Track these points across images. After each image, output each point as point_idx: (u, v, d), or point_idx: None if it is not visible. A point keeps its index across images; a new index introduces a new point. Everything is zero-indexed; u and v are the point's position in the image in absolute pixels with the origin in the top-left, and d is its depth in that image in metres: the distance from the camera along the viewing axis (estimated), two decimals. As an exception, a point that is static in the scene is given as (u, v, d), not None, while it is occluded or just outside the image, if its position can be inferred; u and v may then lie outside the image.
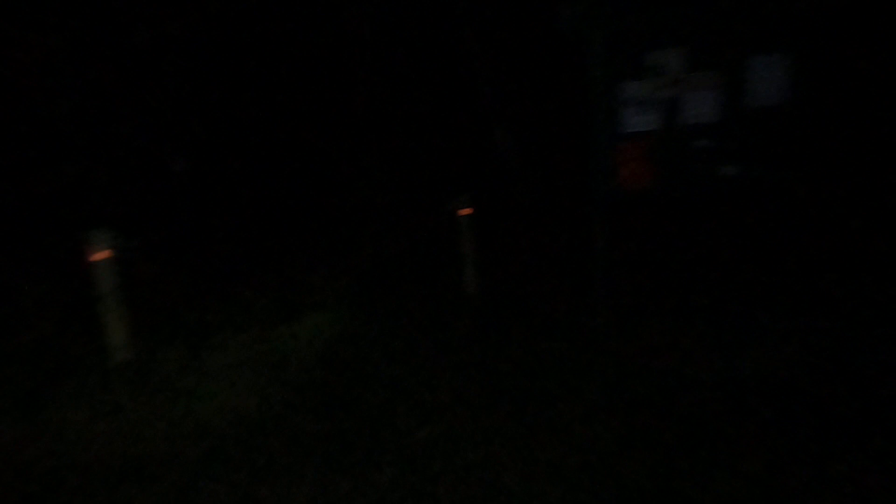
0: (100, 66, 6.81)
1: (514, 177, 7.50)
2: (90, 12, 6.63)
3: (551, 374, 3.34)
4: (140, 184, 7.36)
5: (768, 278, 4.24)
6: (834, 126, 3.90)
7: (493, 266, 5.54)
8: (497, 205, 7.01)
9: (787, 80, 3.69)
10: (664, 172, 3.86)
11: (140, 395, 3.46)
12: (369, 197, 8.05)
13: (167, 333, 4.45)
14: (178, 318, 4.81)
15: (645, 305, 4.22)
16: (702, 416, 2.74)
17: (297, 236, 7.25)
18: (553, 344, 3.78)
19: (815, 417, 2.64)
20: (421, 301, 4.94)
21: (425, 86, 8.09)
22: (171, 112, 7.57)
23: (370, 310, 4.83)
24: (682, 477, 2.34)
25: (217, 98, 7.81)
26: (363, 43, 7.86)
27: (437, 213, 6.26)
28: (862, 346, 3.26)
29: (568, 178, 6.80)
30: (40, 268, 5.53)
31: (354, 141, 8.37)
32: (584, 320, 4.11)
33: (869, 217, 4.29)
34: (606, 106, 3.89)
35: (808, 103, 3.79)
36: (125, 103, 7.11)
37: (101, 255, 3.67)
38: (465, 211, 5.14)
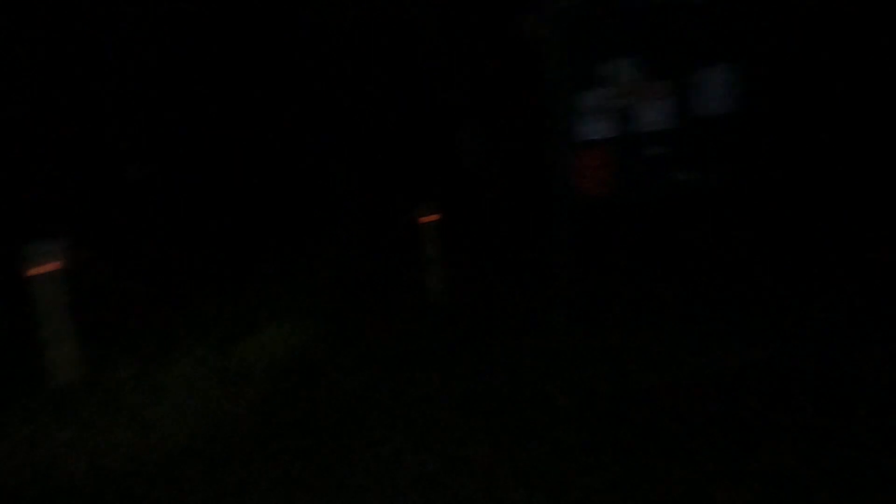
0: (45, 67, 6.50)
1: (479, 183, 7.55)
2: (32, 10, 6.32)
3: (517, 380, 3.36)
4: (92, 191, 7.05)
5: (725, 281, 4.39)
6: (782, 133, 4.08)
7: (460, 272, 5.54)
8: (463, 210, 7.04)
9: (736, 89, 3.86)
10: (623, 179, 3.96)
11: (79, 417, 3.27)
12: (334, 204, 7.96)
13: (119, 349, 4.25)
14: (132, 333, 4.62)
15: (608, 308, 4.30)
16: (660, 420, 2.80)
17: (260, 245, 7.09)
18: (519, 349, 3.80)
19: (770, 416, 2.73)
20: (386, 309, 4.90)
21: (391, 93, 8.08)
22: (127, 116, 7.29)
23: (334, 319, 4.76)
24: (639, 485, 2.37)
25: (177, 103, 7.58)
26: (326, 50, 7.79)
27: (403, 220, 6.24)
28: (815, 345, 3.41)
29: (532, 183, 6.89)
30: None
31: (318, 146, 8.27)
32: (548, 324, 4.15)
33: (817, 219, 4.51)
34: (565, 113, 3.96)
35: (757, 112, 3.96)
36: (70, 106, 6.80)
37: (42, 268, 3.47)
38: (430, 218, 5.14)
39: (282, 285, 5.73)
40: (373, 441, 2.82)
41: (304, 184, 7.98)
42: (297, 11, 7.51)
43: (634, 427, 2.73)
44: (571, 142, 3.99)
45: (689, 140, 3.89)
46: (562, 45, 3.91)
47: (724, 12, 3.84)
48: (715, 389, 3.01)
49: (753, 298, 4.08)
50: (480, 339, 4.04)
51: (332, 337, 4.33)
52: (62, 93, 6.70)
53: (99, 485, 2.63)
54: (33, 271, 3.45)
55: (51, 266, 3.48)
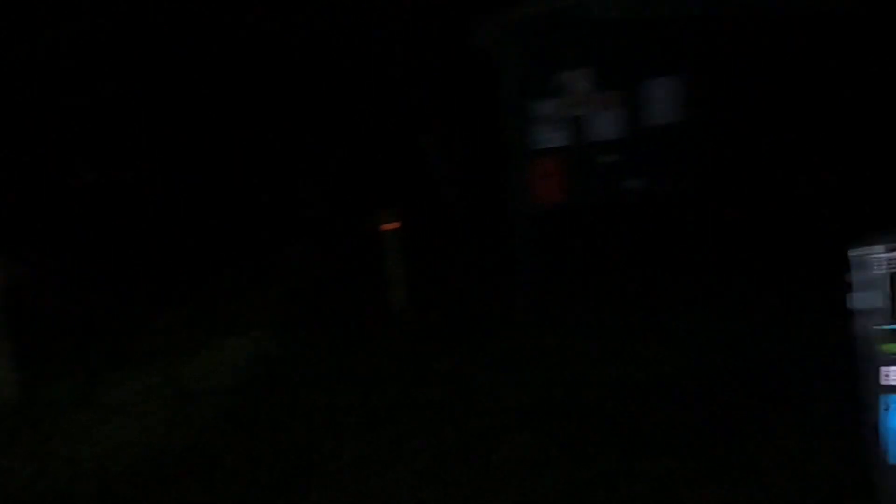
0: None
1: (442, 189, 7.58)
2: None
3: (478, 386, 3.38)
4: (34, 200, 6.70)
5: (678, 283, 4.54)
6: (728, 142, 4.28)
7: (423, 279, 5.53)
8: (426, 216, 7.04)
9: (684, 99, 4.02)
10: (577, 186, 4.06)
11: (12, 439, 3.08)
12: (292, 212, 7.83)
13: (64, 367, 4.05)
14: (79, 349, 4.40)
15: (567, 311, 4.37)
16: (617, 420, 2.86)
17: (215, 256, 6.88)
18: (480, 355, 3.83)
19: (716, 415, 2.83)
20: (348, 319, 4.84)
21: (352, 100, 8.02)
22: (71, 116, 6.96)
23: (294, 331, 4.67)
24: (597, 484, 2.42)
25: (128, 104, 7.29)
26: (287, 57, 7.68)
27: (364, 227, 6.19)
28: (757, 346, 3.55)
29: (493, 190, 6.96)
30: None
31: (277, 153, 8.12)
32: (509, 328, 4.20)
33: (761, 225, 4.72)
34: (521, 122, 4.04)
35: (702, 121, 4.14)
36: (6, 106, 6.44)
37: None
38: (392, 225, 5.11)
39: (238, 298, 5.59)
40: (334, 454, 2.78)
41: (261, 191, 7.82)
42: (259, 19, 7.39)
43: (593, 428, 2.79)
44: (527, 150, 4.07)
45: (639, 148, 4.03)
46: (516, 56, 3.99)
47: (671, 27, 4.00)
48: (669, 389, 3.11)
49: (704, 300, 4.24)
50: (442, 345, 4.05)
51: (290, 351, 4.24)
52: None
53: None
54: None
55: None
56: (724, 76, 4.23)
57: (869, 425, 0.37)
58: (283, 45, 7.50)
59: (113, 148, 7.35)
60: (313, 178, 7.92)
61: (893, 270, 0.39)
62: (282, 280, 6.17)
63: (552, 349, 3.81)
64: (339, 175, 8.03)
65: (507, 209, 4.32)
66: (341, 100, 7.95)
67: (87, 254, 6.38)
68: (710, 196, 4.40)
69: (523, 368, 3.55)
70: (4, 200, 6.32)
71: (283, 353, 4.22)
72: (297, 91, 7.84)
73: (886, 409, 0.38)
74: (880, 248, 0.39)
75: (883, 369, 0.39)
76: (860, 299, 0.39)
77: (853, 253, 0.40)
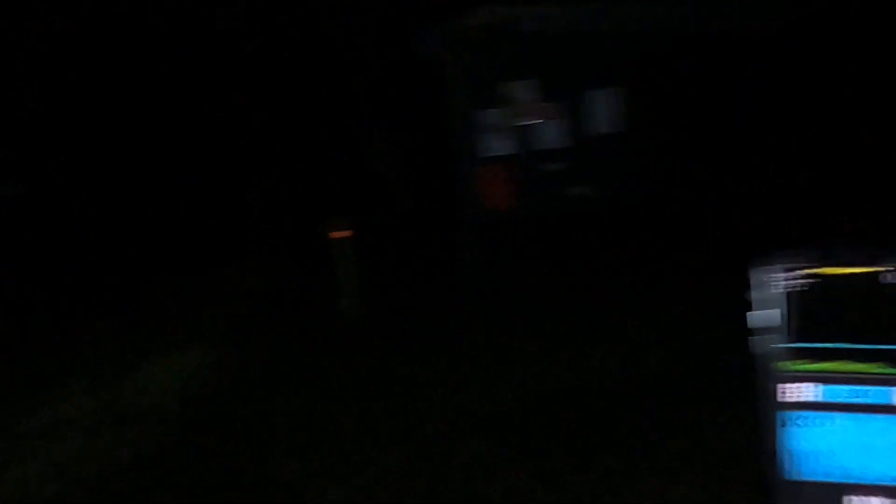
0: None
1: (392, 197, 7.54)
2: None
3: (425, 393, 3.37)
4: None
5: (621, 288, 4.68)
6: (663, 151, 4.47)
7: (374, 287, 5.47)
8: (377, 224, 6.97)
9: (623, 110, 4.19)
10: (522, 193, 4.14)
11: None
12: (240, 220, 7.57)
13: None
14: (4, 369, 4.07)
15: (513, 316, 4.42)
16: (563, 424, 2.92)
17: (158, 266, 6.55)
18: (430, 362, 3.81)
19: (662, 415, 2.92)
20: (298, 330, 4.72)
21: (302, 107, 7.86)
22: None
23: (242, 344, 4.50)
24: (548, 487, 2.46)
25: (61, 112, 6.85)
26: (235, 63, 7.44)
27: (314, 235, 6.05)
28: (693, 347, 3.71)
29: (443, 197, 6.98)
30: None
31: (222, 159, 7.85)
32: (458, 334, 4.21)
33: (696, 230, 4.95)
34: (467, 130, 4.09)
35: (643, 132, 4.31)
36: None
37: None
38: (343, 233, 5.03)
39: (183, 310, 5.34)
40: (280, 468, 2.69)
41: (207, 199, 7.52)
42: (209, 22, 7.12)
43: (541, 429, 2.83)
44: (474, 157, 4.11)
45: (581, 157, 4.16)
46: (461, 67, 4.04)
47: (610, 42, 4.16)
48: (612, 392, 3.19)
49: (645, 303, 4.39)
50: (395, 352, 4.01)
51: (237, 364, 4.09)
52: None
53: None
54: None
55: None
56: (660, 89, 4.42)
57: (766, 442, 0.39)
58: (237, 53, 7.29)
59: (40, 157, 6.88)
60: (262, 187, 7.69)
61: (790, 290, 0.41)
62: (229, 291, 5.94)
63: (501, 353, 3.84)
64: (289, 184, 7.84)
65: (457, 216, 4.34)
66: (290, 108, 7.78)
67: (20, 266, 5.93)
68: (648, 203, 4.58)
69: (471, 373, 3.57)
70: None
71: (227, 366, 4.06)
72: (246, 99, 7.62)
73: (783, 425, 0.40)
74: (779, 266, 0.41)
75: (780, 386, 0.41)
76: (759, 317, 0.41)
77: (753, 271, 0.42)
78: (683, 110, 4.56)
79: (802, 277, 0.42)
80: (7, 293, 5.42)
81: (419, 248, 6.54)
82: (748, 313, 0.43)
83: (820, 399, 0.42)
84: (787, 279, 0.43)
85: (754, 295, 0.44)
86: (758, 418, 0.42)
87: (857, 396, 0.41)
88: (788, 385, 0.42)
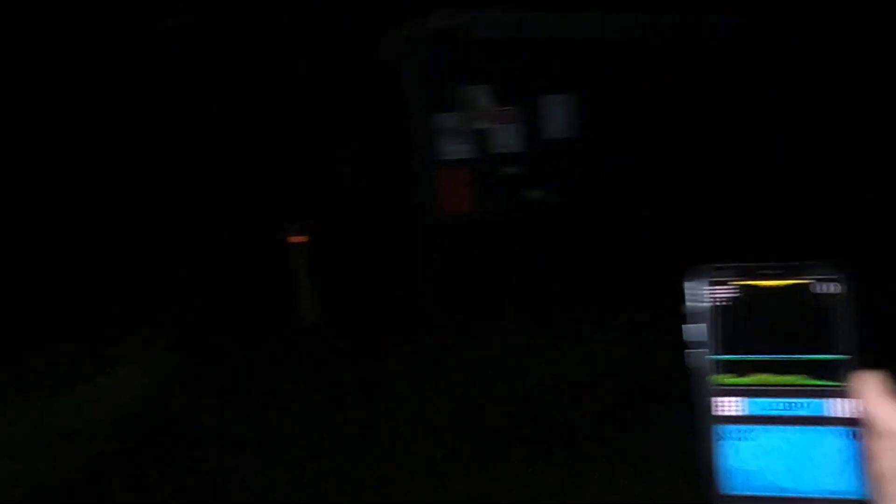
0: None
1: (352, 201, 7.46)
2: None
3: (383, 397, 3.33)
4: None
5: (577, 290, 4.76)
6: (616, 157, 4.58)
7: (333, 292, 5.38)
8: (337, 229, 6.87)
9: (575, 117, 4.27)
10: (480, 197, 4.16)
11: None
12: (195, 225, 7.31)
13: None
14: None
15: (471, 320, 4.44)
16: (520, 426, 2.94)
17: (112, 274, 6.24)
18: (388, 367, 3.78)
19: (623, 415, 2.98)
20: (255, 339, 4.59)
21: (261, 111, 7.66)
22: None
23: (195, 354, 4.33)
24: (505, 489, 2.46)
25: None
26: (192, 67, 7.18)
27: (272, 240, 5.90)
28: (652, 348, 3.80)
29: (403, 201, 6.94)
30: None
31: (178, 165, 7.56)
32: (416, 338, 4.19)
33: (653, 234, 5.09)
34: (424, 134, 4.07)
35: (595, 137, 4.40)
36: None
37: None
38: (300, 238, 4.92)
39: (135, 320, 5.10)
40: (243, 482, 2.60)
41: (161, 203, 7.22)
42: (167, 29, 6.83)
43: (497, 433, 2.84)
44: (432, 161, 4.10)
45: (537, 162, 4.22)
46: (417, 71, 4.03)
47: (563, 48, 4.24)
48: (570, 393, 3.24)
49: (602, 305, 4.48)
50: (352, 360, 3.96)
51: (191, 375, 3.93)
52: None
53: None
54: None
55: None
56: (613, 96, 4.53)
57: (704, 455, 0.39)
58: (191, 54, 7.03)
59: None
60: (218, 193, 7.45)
61: (716, 304, 0.41)
62: (185, 298, 5.72)
63: (460, 356, 3.85)
64: (246, 189, 7.63)
65: (415, 220, 4.32)
66: (246, 112, 7.58)
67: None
68: (604, 207, 4.69)
69: (429, 378, 3.55)
70: None
71: (181, 377, 3.90)
72: (202, 102, 7.37)
73: (719, 439, 0.40)
74: (705, 279, 0.41)
75: (715, 400, 0.41)
76: (691, 331, 0.41)
77: (686, 283, 0.42)
78: (636, 116, 4.69)
79: (728, 290, 0.42)
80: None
81: (378, 252, 6.49)
82: (683, 326, 0.43)
83: (749, 412, 0.41)
84: (713, 292, 0.43)
85: (688, 308, 0.44)
86: (697, 432, 0.42)
87: (787, 409, 0.41)
88: (720, 399, 0.42)
